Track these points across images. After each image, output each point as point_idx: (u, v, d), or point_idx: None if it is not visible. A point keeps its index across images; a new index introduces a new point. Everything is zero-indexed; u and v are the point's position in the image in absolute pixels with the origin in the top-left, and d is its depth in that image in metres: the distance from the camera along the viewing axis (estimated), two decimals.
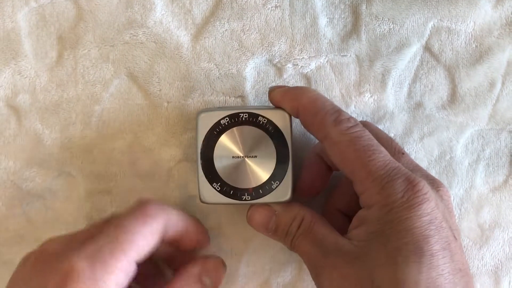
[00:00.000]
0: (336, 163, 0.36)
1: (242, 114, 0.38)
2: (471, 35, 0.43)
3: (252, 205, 0.40)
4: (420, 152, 0.44)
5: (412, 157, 0.44)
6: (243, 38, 0.43)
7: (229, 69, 0.43)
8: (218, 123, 0.38)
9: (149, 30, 0.43)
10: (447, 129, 0.44)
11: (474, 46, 0.43)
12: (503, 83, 0.44)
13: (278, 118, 0.38)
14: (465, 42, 0.43)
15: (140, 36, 0.43)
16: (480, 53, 0.43)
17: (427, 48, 0.43)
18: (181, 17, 0.43)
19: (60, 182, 0.43)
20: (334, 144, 0.35)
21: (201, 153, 0.38)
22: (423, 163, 0.44)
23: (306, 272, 0.45)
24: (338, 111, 0.36)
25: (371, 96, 0.43)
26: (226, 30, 0.43)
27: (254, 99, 0.43)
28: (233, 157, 0.38)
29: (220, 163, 0.38)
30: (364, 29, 0.43)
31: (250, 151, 0.38)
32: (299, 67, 0.43)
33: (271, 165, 0.38)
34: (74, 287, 0.31)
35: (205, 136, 0.38)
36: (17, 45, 0.43)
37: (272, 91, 0.39)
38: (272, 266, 0.45)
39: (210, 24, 0.43)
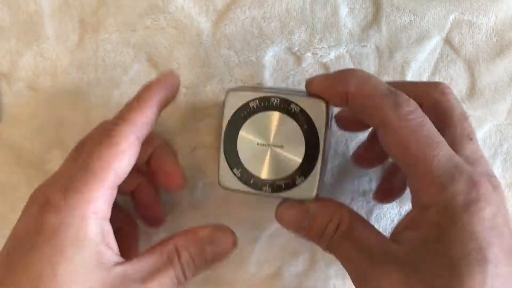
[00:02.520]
0: (392, 153, 0.32)
1: (273, 99, 0.34)
2: (492, 29, 0.43)
3: (282, 201, 0.36)
4: None
5: None
6: (263, 25, 0.43)
7: (248, 57, 0.43)
8: (246, 105, 0.35)
9: (170, 16, 0.43)
10: None
11: (495, 40, 0.43)
12: None
13: (313, 108, 0.34)
14: (486, 36, 0.43)
15: (161, 21, 0.43)
16: (500, 48, 0.43)
17: (448, 41, 0.43)
18: (202, 3, 0.43)
19: None
20: (393, 131, 0.31)
21: (224, 135, 0.35)
22: None
23: (318, 263, 0.45)
24: (395, 93, 0.32)
25: None
26: (246, 17, 0.43)
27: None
28: (258, 144, 0.35)
29: (243, 148, 0.35)
30: (385, 20, 0.43)
31: (277, 140, 0.35)
32: (319, 56, 0.43)
33: (298, 158, 0.35)
34: (49, 218, 0.30)
35: (231, 117, 0.35)
36: (39, 27, 0.43)
37: (311, 81, 0.35)
38: (284, 255, 0.45)
39: (231, 11, 0.43)
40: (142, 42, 0.43)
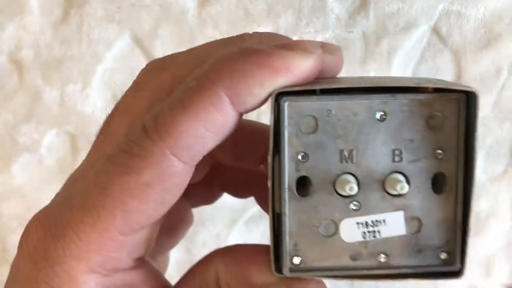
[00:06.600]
0: None
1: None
2: (481, 20, 0.43)
3: None
4: None
5: None
6: (250, 7, 0.43)
7: None
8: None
9: None
10: None
11: (483, 31, 0.43)
12: (509, 72, 0.43)
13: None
14: (474, 27, 0.43)
15: None
16: (488, 39, 0.43)
17: (435, 30, 0.43)
18: None
19: (58, 139, 0.44)
20: None
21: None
22: None
23: None
24: None
25: (375, 75, 0.43)
26: None
27: None
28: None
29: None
30: (373, 7, 0.42)
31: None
32: None
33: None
34: (29, 271, 0.22)
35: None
36: (23, 0, 0.43)
37: None
38: (263, 241, 0.45)
39: None
40: (127, 19, 0.43)
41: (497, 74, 0.43)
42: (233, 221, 0.44)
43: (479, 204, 0.45)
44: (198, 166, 0.22)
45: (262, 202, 0.29)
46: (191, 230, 0.43)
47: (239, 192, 0.30)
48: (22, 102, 0.43)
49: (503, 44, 0.43)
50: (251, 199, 0.32)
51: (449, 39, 0.43)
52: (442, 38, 0.43)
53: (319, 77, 0.21)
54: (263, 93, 0.20)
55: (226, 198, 0.44)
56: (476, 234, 0.45)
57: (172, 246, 0.30)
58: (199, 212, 0.43)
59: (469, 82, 0.43)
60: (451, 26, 0.43)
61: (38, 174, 0.44)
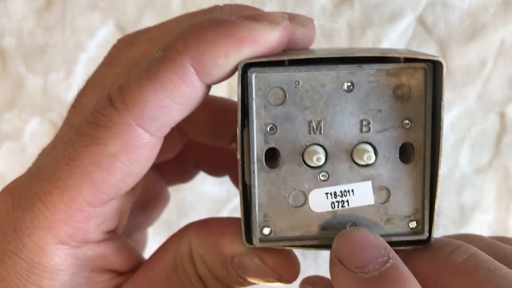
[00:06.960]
0: None
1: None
2: (466, 10, 0.43)
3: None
4: None
5: None
6: None
7: None
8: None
9: None
10: None
11: (468, 22, 0.43)
12: (494, 63, 0.43)
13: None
14: (459, 18, 0.43)
15: None
16: (473, 30, 0.43)
17: (421, 20, 0.43)
18: None
19: (41, 128, 0.43)
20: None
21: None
22: None
23: None
24: None
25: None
26: None
27: None
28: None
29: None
30: None
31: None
32: None
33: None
34: None
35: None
36: None
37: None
38: None
39: None
40: (111, 7, 0.42)
41: (482, 65, 0.43)
42: (216, 211, 0.44)
43: (464, 196, 0.45)
44: (170, 142, 0.22)
45: (235, 180, 0.29)
46: (174, 219, 0.43)
47: (214, 170, 0.31)
48: (4, 89, 0.43)
49: (488, 35, 0.43)
50: (235, 192, 0.32)
51: (435, 30, 0.43)
52: (428, 29, 0.43)
53: (290, 49, 0.21)
54: (229, 64, 0.20)
55: (209, 188, 0.44)
56: (461, 226, 0.45)
57: (148, 224, 0.30)
58: (182, 201, 0.44)
59: (454, 73, 0.43)
60: (436, 17, 0.43)
61: (21, 163, 0.44)
